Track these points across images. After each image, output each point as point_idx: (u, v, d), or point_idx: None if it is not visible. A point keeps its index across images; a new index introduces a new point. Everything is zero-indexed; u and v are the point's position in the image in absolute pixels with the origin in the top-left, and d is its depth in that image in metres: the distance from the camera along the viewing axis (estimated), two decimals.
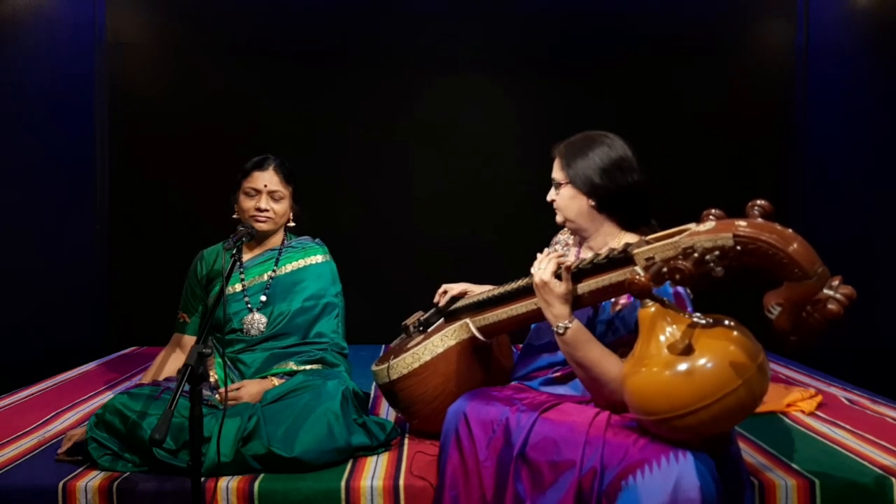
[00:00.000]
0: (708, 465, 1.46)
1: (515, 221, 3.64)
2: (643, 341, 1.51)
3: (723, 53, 3.87)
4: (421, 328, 2.13)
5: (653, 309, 1.51)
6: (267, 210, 2.20)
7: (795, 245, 1.30)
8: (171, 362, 2.24)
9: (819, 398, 2.41)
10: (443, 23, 3.81)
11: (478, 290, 2.06)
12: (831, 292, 1.27)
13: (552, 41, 3.86)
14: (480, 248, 3.74)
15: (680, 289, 1.64)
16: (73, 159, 3.51)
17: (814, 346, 1.31)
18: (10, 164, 3.13)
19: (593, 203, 1.76)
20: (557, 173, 1.81)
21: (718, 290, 1.46)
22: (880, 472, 1.81)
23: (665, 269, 1.40)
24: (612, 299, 1.69)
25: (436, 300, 2.14)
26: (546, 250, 1.92)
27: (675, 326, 1.49)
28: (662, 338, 1.48)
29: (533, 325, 1.94)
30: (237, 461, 1.81)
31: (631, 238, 1.75)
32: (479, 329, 1.92)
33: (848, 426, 2.17)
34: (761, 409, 2.24)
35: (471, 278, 2.15)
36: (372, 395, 2.47)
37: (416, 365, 1.96)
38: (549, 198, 1.85)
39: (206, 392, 1.94)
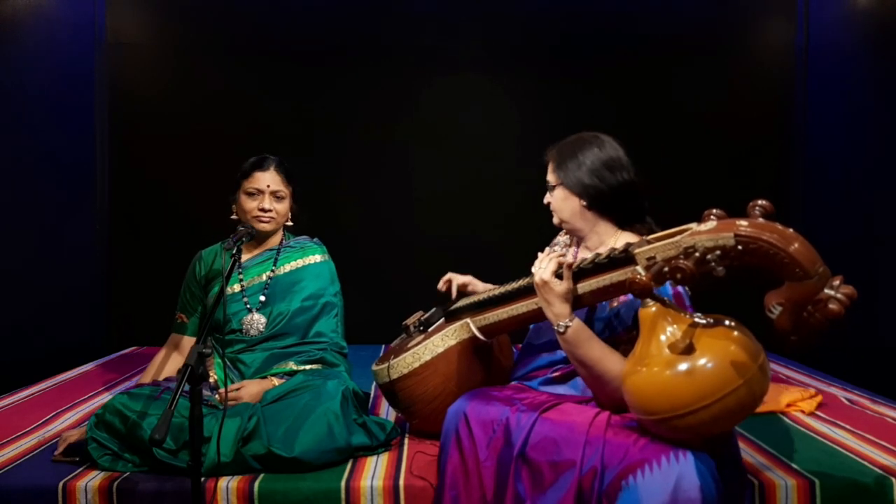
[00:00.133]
0: (708, 464, 1.47)
1: (515, 221, 3.64)
2: (644, 341, 1.51)
3: (723, 53, 3.87)
4: (421, 328, 2.13)
5: (654, 308, 1.51)
6: (270, 210, 2.20)
7: (796, 245, 1.30)
8: (170, 363, 2.24)
9: (819, 398, 2.41)
10: (443, 23, 3.81)
11: (481, 285, 2.09)
12: (832, 292, 1.27)
13: (552, 41, 3.86)
14: (480, 248, 3.73)
15: (680, 288, 1.65)
16: (73, 159, 3.52)
17: (814, 346, 1.31)
18: (10, 164, 3.13)
19: (585, 203, 1.79)
20: (550, 176, 1.86)
21: (719, 290, 1.47)
22: (880, 472, 1.81)
23: (666, 269, 1.40)
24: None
25: (440, 286, 2.15)
26: (547, 249, 1.94)
27: (675, 326, 1.49)
28: (663, 337, 1.48)
29: (532, 325, 1.94)
30: (237, 461, 1.81)
31: (626, 237, 1.78)
32: (480, 329, 1.92)
33: (848, 426, 2.17)
34: (761, 409, 2.24)
35: None
36: (372, 395, 2.47)
37: (416, 365, 1.96)
38: (545, 200, 1.89)
39: (206, 392, 1.94)
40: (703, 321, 1.49)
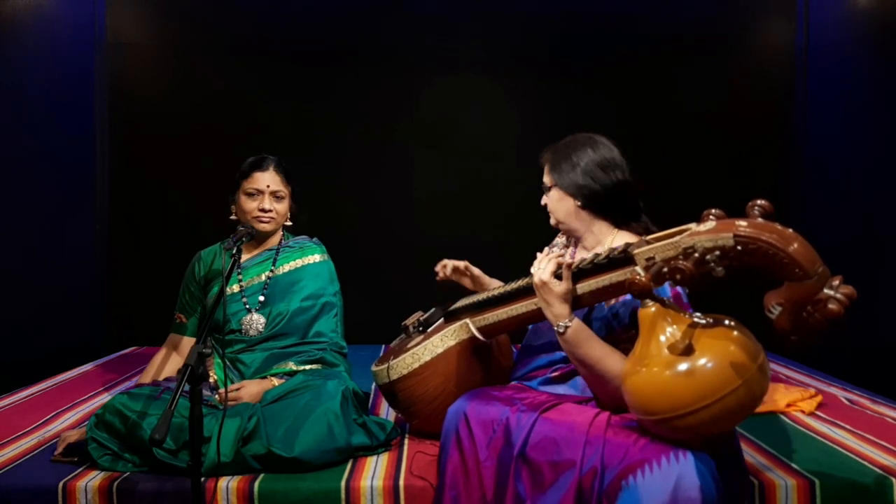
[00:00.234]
0: (708, 464, 1.47)
1: (515, 221, 3.63)
2: (643, 341, 1.51)
3: (723, 53, 3.87)
4: (420, 328, 2.13)
5: (653, 309, 1.51)
6: (270, 210, 2.20)
7: (796, 245, 1.30)
8: (169, 363, 2.24)
9: (819, 398, 2.41)
10: (443, 23, 3.81)
11: (477, 270, 2.13)
12: (832, 292, 1.27)
13: (552, 41, 3.86)
14: (480, 248, 3.71)
15: (678, 288, 1.65)
16: (73, 159, 3.51)
17: (814, 346, 1.31)
18: (10, 164, 3.13)
19: (579, 203, 1.81)
20: (546, 177, 1.88)
21: (718, 290, 1.46)
22: (880, 472, 1.81)
23: (666, 270, 1.40)
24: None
25: (437, 269, 2.18)
26: (546, 249, 1.94)
27: (675, 326, 1.49)
28: (663, 338, 1.48)
29: (531, 326, 1.94)
30: (237, 461, 1.81)
31: (623, 236, 1.79)
32: (479, 329, 1.92)
33: (848, 426, 2.17)
34: (761, 409, 2.24)
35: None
36: (372, 395, 2.47)
37: (415, 365, 1.96)
38: (542, 202, 1.91)
39: (206, 392, 1.94)
40: (703, 321, 1.49)
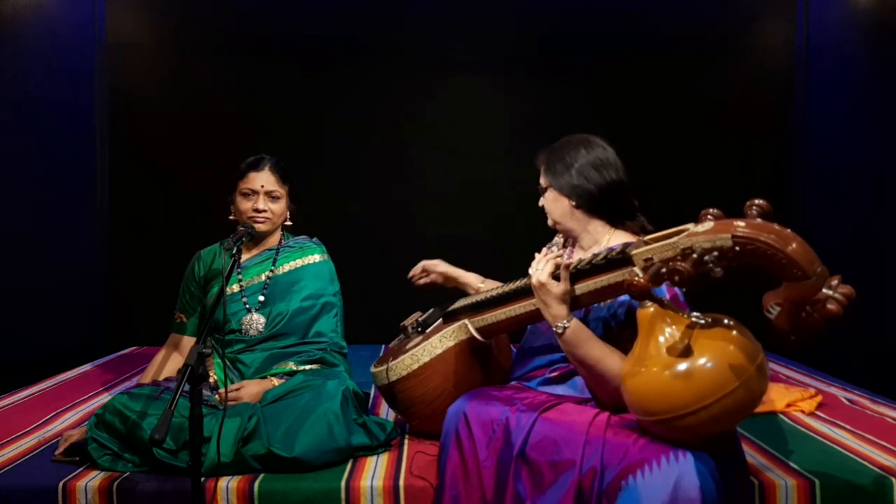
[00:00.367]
0: (708, 465, 1.47)
1: (515, 221, 3.63)
2: (642, 342, 1.51)
3: (723, 53, 3.87)
4: (419, 329, 2.13)
5: (652, 310, 1.51)
6: (265, 211, 2.20)
7: (794, 245, 1.30)
8: (170, 363, 2.24)
9: (819, 398, 2.41)
10: (443, 23, 3.81)
11: (445, 267, 2.19)
12: (830, 292, 1.27)
13: (551, 41, 3.85)
14: (480, 247, 3.73)
15: (675, 288, 1.65)
16: (73, 159, 3.52)
17: (813, 346, 1.31)
18: (10, 164, 3.14)
19: (574, 203, 1.82)
20: (541, 179, 1.90)
21: (718, 290, 1.46)
22: (880, 472, 1.81)
23: (664, 270, 1.40)
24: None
25: (411, 276, 2.22)
26: (544, 250, 1.95)
27: (674, 327, 1.49)
28: (662, 339, 1.48)
29: (529, 326, 1.94)
30: (237, 461, 1.81)
31: (620, 235, 1.80)
32: (478, 330, 1.92)
33: (848, 426, 2.17)
34: (761, 409, 2.25)
35: None
36: (372, 395, 2.47)
37: (415, 366, 1.96)
38: (539, 203, 1.92)
39: (206, 392, 1.94)
40: (702, 321, 1.49)
